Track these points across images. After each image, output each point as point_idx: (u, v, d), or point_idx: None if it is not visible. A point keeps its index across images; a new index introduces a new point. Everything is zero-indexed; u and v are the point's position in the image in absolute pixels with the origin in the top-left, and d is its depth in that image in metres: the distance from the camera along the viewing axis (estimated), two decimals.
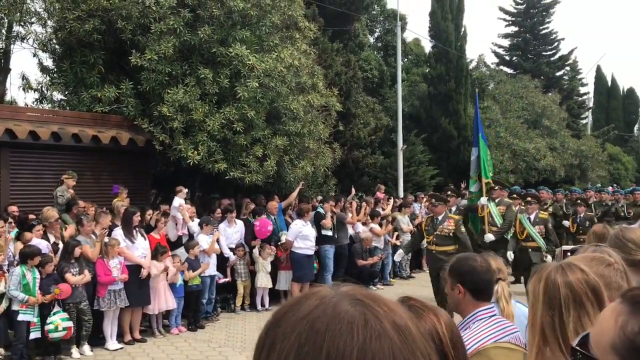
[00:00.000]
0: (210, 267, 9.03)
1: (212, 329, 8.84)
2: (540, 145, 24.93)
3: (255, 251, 9.89)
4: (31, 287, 6.81)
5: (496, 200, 10.31)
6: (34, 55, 11.25)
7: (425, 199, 14.07)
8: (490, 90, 28.35)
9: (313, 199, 12.82)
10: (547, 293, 1.80)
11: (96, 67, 10.38)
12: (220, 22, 10.26)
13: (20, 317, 6.77)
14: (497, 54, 36.03)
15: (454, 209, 10.69)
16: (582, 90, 38.41)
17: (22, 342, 6.79)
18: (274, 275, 10.14)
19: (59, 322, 6.86)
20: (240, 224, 9.97)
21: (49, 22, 10.96)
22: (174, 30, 9.85)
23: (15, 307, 6.78)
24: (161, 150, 10.03)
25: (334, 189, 15.42)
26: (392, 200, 13.63)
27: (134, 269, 7.92)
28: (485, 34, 67.10)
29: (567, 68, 36.22)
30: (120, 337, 7.91)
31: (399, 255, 10.57)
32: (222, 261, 9.52)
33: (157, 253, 8.24)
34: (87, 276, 7.33)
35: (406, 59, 27.09)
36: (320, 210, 11.02)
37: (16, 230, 7.49)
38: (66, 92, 10.88)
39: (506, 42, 36.08)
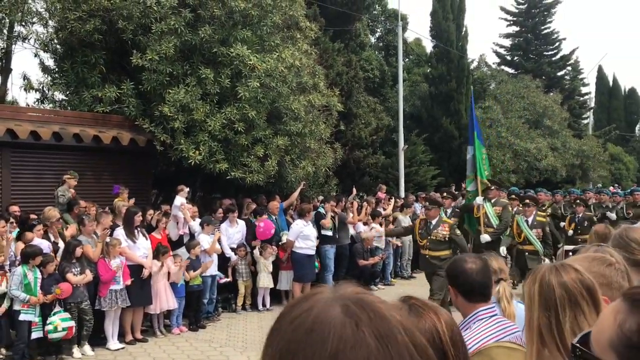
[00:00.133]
0: (212, 267, 9.03)
1: (214, 329, 8.84)
2: (542, 145, 24.91)
3: (256, 252, 9.89)
4: (32, 287, 6.81)
5: (492, 201, 10.03)
6: (35, 55, 11.28)
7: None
8: (491, 90, 28.34)
9: (314, 199, 12.83)
10: (543, 294, 1.80)
11: (97, 67, 10.38)
12: (221, 22, 10.26)
13: (22, 317, 6.77)
14: (498, 54, 36.01)
15: (449, 210, 10.49)
16: (584, 90, 38.41)
17: (23, 342, 6.79)
18: (275, 275, 10.14)
19: (58, 323, 6.86)
20: (241, 224, 9.97)
21: (50, 22, 10.97)
22: (175, 30, 9.86)
23: (16, 307, 6.79)
24: (162, 150, 10.04)
25: (335, 189, 15.42)
26: (393, 200, 13.63)
27: (135, 269, 7.92)
28: (486, 34, 67.11)
29: (569, 68, 36.19)
30: (121, 336, 7.91)
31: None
32: (223, 261, 9.52)
33: (158, 253, 8.24)
34: (88, 276, 7.33)
35: (407, 59, 27.09)
36: (321, 210, 11.02)
37: (17, 230, 7.49)
38: (67, 92, 10.89)
39: (507, 42, 36.08)
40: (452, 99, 22.36)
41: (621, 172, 34.43)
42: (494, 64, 34.43)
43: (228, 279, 9.64)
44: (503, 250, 9.67)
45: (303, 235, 9.87)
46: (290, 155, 11.33)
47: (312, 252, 10.11)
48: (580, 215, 11.91)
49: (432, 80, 23.37)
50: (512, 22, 35.86)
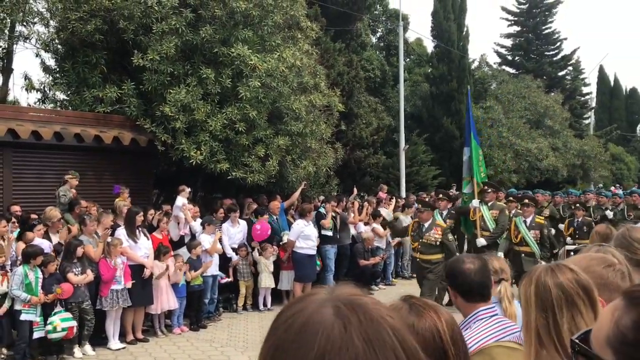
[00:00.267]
0: (213, 267, 9.03)
1: (215, 329, 8.84)
2: (543, 145, 24.90)
3: (255, 253, 9.87)
4: (33, 286, 6.82)
5: (489, 204, 9.73)
6: (37, 55, 11.29)
7: (426, 199, 13.67)
8: (492, 90, 28.34)
9: (315, 199, 12.83)
10: (539, 295, 1.81)
11: (98, 67, 10.39)
12: (222, 22, 10.26)
13: (23, 317, 6.77)
14: (499, 54, 36.00)
15: (445, 212, 10.23)
16: (585, 90, 38.41)
17: (24, 342, 6.80)
18: (276, 275, 10.14)
19: (58, 323, 6.86)
20: (243, 224, 9.97)
21: (52, 22, 10.97)
22: (176, 30, 9.86)
23: (17, 307, 6.79)
24: (163, 150, 10.05)
25: (336, 189, 15.42)
26: (394, 200, 13.62)
27: (136, 269, 7.92)
28: (487, 34, 67.08)
29: (570, 68, 36.18)
30: (122, 336, 7.91)
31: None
32: (224, 261, 9.52)
33: (159, 253, 8.24)
34: (89, 276, 7.34)
35: (408, 59, 27.09)
36: (322, 210, 11.01)
37: (18, 230, 7.50)
38: (68, 92, 10.90)
39: (509, 42, 36.06)
40: (453, 98, 22.36)
41: (622, 172, 34.42)
42: (495, 64, 34.46)
43: (229, 279, 9.64)
44: (500, 255, 9.57)
45: (304, 235, 9.87)
46: (291, 155, 11.33)
47: (313, 252, 10.10)
48: (579, 220, 11.71)
49: (433, 80, 23.38)
50: (513, 22, 35.85)
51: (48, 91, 11.26)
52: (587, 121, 37.70)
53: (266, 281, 9.89)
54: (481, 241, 9.42)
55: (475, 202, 9.64)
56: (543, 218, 9.91)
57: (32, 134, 8.97)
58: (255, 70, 9.97)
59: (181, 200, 9.19)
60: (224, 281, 9.49)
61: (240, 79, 10.13)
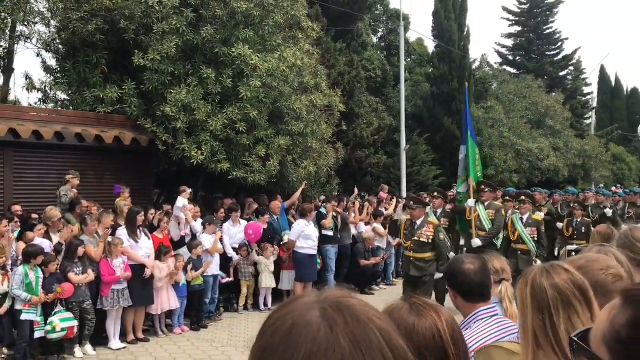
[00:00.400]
0: (214, 267, 9.03)
1: (215, 329, 8.84)
2: (544, 145, 24.90)
3: (254, 254, 9.84)
4: (34, 286, 6.82)
5: (485, 204, 9.51)
6: (38, 55, 11.29)
7: (427, 199, 13.34)
8: (493, 90, 28.34)
9: (316, 199, 12.83)
10: (535, 297, 1.81)
11: (99, 67, 10.40)
12: (223, 22, 10.27)
13: (24, 317, 6.78)
14: (500, 54, 35.99)
15: (439, 211, 9.99)
16: (586, 90, 38.40)
17: (25, 341, 6.80)
18: (276, 275, 10.14)
19: (57, 323, 6.86)
20: (244, 224, 9.96)
21: (53, 22, 10.98)
22: (176, 30, 9.86)
23: (18, 307, 6.79)
24: (164, 150, 10.05)
25: (337, 188, 15.42)
26: (395, 200, 13.61)
27: (137, 269, 7.93)
28: (488, 34, 67.08)
29: (571, 68, 36.17)
30: (123, 336, 7.91)
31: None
32: (225, 261, 9.52)
33: (160, 253, 8.25)
34: (90, 275, 7.34)
35: (409, 59, 27.09)
36: (323, 210, 11.01)
37: (18, 230, 7.50)
38: (69, 92, 10.91)
39: (510, 42, 36.05)
40: (454, 99, 22.35)
41: (623, 173, 34.40)
42: (496, 64, 34.47)
43: (230, 279, 9.64)
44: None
45: (305, 235, 9.87)
46: (292, 155, 11.34)
47: (314, 252, 10.10)
48: (578, 220, 11.66)
49: (434, 80, 23.38)
50: (514, 22, 35.84)
51: (49, 91, 11.27)
52: (588, 121, 37.70)
53: (267, 281, 9.89)
54: (476, 241, 9.25)
55: (470, 202, 9.49)
56: (541, 216, 9.80)
57: (33, 134, 8.97)
58: (256, 70, 9.97)
59: (182, 201, 9.18)
60: (224, 281, 9.49)
61: (241, 78, 10.13)
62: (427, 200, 10.89)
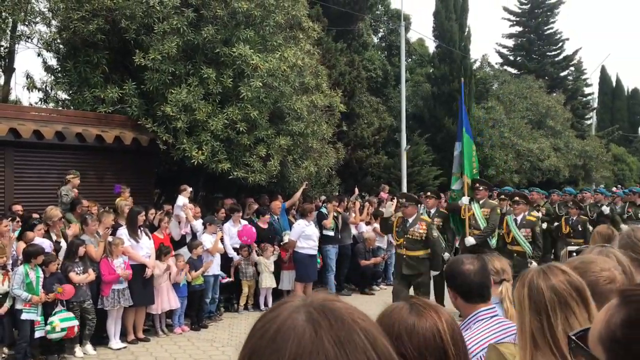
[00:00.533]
0: (214, 267, 9.03)
1: (215, 329, 8.84)
2: (545, 146, 24.89)
3: (254, 254, 9.84)
4: (34, 286, 6.82)
5: (480, 202, 9.25)
6: (38, 55, 11.30)
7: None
8: (494, 90, 28.33)
9: (316, 199, 12.83)
10: (532, 298, 1.82)
11: (100, 67, 10.41)
12: (223, 22, 10.27)
13: (24, 316, 6.78)
14: (501, 54, 35.98)
15: (432, 211, 9.66)
16: (587, 90, 38.35)
17: (25, 341, 6.80)
18: (277, 275, 10.14)
19: (57, 323, 6.86)
20: (245, 224, 9.96)
21: (54, 22, 10.99)
22: (177, 30, 9.87)
23: (18, 306, 6.79)
24: (165, 150, 10.06)
25: (337, 188, 15.42)
26: (395, 201, 13.58)
27: (138, 269, 7.93)
28: (489, 34, 67.04)
29: (572, 68, 36.15)
30: (123, 336, 7.92)
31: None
32: (226, 261, 9.52)
33: (160, 253, 8.25)
34: (91, 275, 7.34)
35: (410, 59, 27.06)
36: (324, 210, 11.01)
37: (19, 229, 7.50)
38: (70, 92, 10.92)
39: (510, 42, 36.04)
40: (455, 99, 22.28)
41: (624, 173, 34.38)
42: (496, 64, 34.43)
43: (230, 279, 9.64)
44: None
45: (305, 235, 9.86)
46: (293, 155, 11.34)
47: (314, 252, 10.10)
48: (574, 219, 11.61)
49: (434, 80, 23.36)
50: (515, 23, 35.83)
51: (50, 91, 11.29)
52: (588, 122, 37.67)
53: (267, 281, 9.89)
54: (470, 240, 9.00)
55: (464, 200, 9.29)
56: (535, 215, 9.49)
57: (33, 134, 8.98)
58: (256, 70, 9.97)
59: (182, 199, 9.19)
60: (224, 281, 9.49)
61: (241, 78, 10.13)
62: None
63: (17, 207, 8.21)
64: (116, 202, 8.91)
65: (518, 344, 1.90)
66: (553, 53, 35.32)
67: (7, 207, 8.47)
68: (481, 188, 9.38)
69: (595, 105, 40.33)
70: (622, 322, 0.97)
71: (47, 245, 7.30)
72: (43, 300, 6.87)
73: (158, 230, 8.67)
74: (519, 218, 9.02)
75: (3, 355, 6.86)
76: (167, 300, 8.30)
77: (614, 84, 44.37)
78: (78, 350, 7.31)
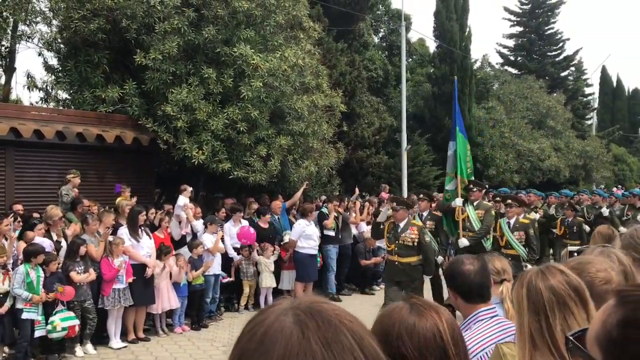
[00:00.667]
0: (215, 267, 9.03)
1: (216, 328, 8.85)
2: (545, 146, 24.90)
3: (255, 254, 9.85)
4: (35, 285, 6.82)
5: (474, 203, 9.02)
6: (39, 55, 11.31)
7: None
8: (494, 90, 28.34)
9: (317, 199, 12.83)
10: (531, 299, 1.82)
11: (100, 67, 10.41)
12: (224, 21, 10.27)
13: (25, 316, 6.78)
14: (501, 54, 36.01)
15: (425, 214, 9.44)
16: (587, 90, 38.37)
17: (26, 340, 6.81)
18: (277, 275, 10.14)
19: (58, 323, 6.86)
20: (245, 224, 9.96)
21: (54, 22, 11.01)
22: (178, 30, 9.87)
23: (19, 306, 6.79)
24: (165, 150, 10.06)
25: (338, 188, 15.43)
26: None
27: (138, 268, 7.93)
28: (490, 34, 67.03)
29: (572, 68, 36.18)
30: (124, 335, 7.92)
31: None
32: (226, 261, 9.53)
33: (161, 253, 8.25)
34: (92, 275, 7.35)
35: (411, 59, 27.07)
36: (324, 210, 11.01)
37: (19, 229, 7.51)
38: (71, 91, 10.93)
39: (511, 43, 36.07)
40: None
41: (624, 173, 34.38)
42: (497, 64, 34.46)
43: (231, 279, 9.64)
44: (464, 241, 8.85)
45: (305, 235, 9.87)
46: (293, 155, 11.34)
47: (315, 251, 10.10)
48: (569, 220, 11.53)
49: (435, 80, 23.37)
50: (515, 23, 35.85)
51: (50, 90, 11.30)
52: (589, 122, 37.68)
53: (267, 281, 9.89)
54: (463, 242, 8.81)
55: (458, 201, 9.08)
56: (532, 218, 9.25)
57: (34, 133, 8.98)
58: (257, 70, 9.97)
59: (183, 199, 9.19)
60: (225, 281, 9.49)
61: (242, 78, 10.13)
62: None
63: (18, 207, 8.21)
64: (117, 201, 8.91)
65: (517, 344, 1.90)
66: (554, 53, 35.34)
67: (7, 206, 8.47)
68: (475, 189, 9.18)
69: (596, 105, 40.33)
70: (618, 322, 0.97)
71: (47, 244, 7.30)
72: (44, 299, 6.87)
73: (158, 229, 8.67)
74: (511, 221, 8.80)
75: (3, 355, 6.86)
76: (167, 299, 8.30)
77: (614, 84, 44.37)
78: (78, 349, 7.31)
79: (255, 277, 9.89)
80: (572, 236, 11.25)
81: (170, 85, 9.89)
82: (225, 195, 11.32)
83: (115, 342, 7.72)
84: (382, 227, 8.48)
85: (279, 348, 0.80)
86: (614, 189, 22.68)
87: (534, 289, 1.82)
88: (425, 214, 9.46)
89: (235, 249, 9.64)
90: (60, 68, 11.12)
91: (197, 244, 8.77)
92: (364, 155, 17.58)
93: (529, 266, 7.71)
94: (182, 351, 7.67)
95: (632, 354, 0.95)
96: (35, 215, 7.94)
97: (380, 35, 26.48)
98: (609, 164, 29.79)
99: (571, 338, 1.10)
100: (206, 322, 8.92)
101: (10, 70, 11.28)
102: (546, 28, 35.10)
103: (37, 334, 6.86)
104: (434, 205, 10.04)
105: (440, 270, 9.27)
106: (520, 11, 35.52)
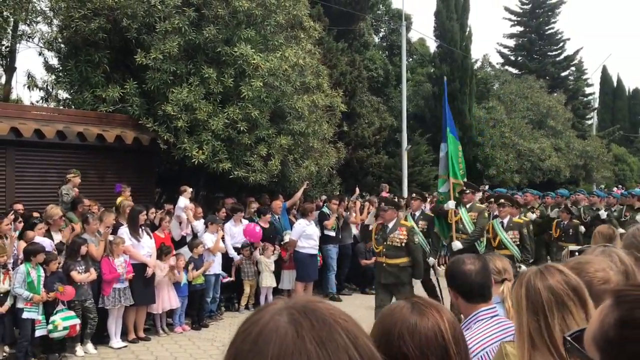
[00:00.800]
0: (215, 266, 9.03)
1: (216, 328, 8.85)
2: (545, 146, 24.89)
3: (256, 253, 9.85)
4: (36, 285, 6.82)
5: (467, 206, 8.87)
6: (40, 54, 11.31)
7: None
8: (495, 90, 28.34)
9: (317, 199, 12.83)
10: (530, 299, 1.82)
11: (101, 66, 10.41)
12: (225, 21, 10.27)
13: (25, 315, 6.78)
14: (502, 54, 36.00)
15: (417, 213, 9.31)
16: (588, 90, 38.35)
17: (26, 340, 6.81)
18: (277, 275, 10.14)
19: (59, 322, 6.87)
20: (246, 224, 9.96)
21: (55, 21, 11.00)
22: (179, 30, 9.87)
23: (19, 305, 6.80)
24: (166, 149, 10.06)
25: (338, 188, 15.43)
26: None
27: (139, 268, 7.93)
28: (490, 34, 67.01)
29: (573, 68, 36.17)
30: (124, 335, 7.92)
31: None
32: (227, 261, 9.53)
33: (161, 253, 8.25)
34: (92, 274, 7.35)
35: (411, 59, 27.08)
36: (325, 210, 11.01)
37: (20, 229, 7.51)
38: (71, 91, 10.93)
39: (511, 42, 36.07)
40: (456, 99, 22.33)
41: (625, 173, 34.37)
42: (497, 64, 34.47)
43: (231, 279, 9.64)
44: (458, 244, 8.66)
45: (306, 235, 9.87)
46: (294, 154, 11.34)
47: (315, 251, 10.10)
48: (565, 222, 11.43)
49: (435, 80, 23.37)
50: (516, 22, 35.85)
51: (51, 90, 11.30)
52: (589, 122, 37.66)
53: (267, 280, 9.89)
54: (457, 244, 8.59)
55: (450, 204, 8.85)
56: (523, 220, 9.06)
57: (34, 133, 8.98)
58: (257, 69, 9.97)
59: (183, 201, 9.18)
60: (225, 280, 9.49)
61: (242, 78, 10.13)
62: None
63: (18, 206, 8.21)
64: (119, 201, 8.91)
65: (516, 344, 1.90)
66: (554, 53, 35.34)
67: (8, 206, 8.48)
68: (468, 191, 9.04)
69: (596, 105, 40.31)
70: (615, 322, 0.97)
71: (47, 244, 7.30)
72: (44, 299, 6.87)
73: (159, 229, 8.67)
74: (505, 220, 8.61)
75: (4, 354, 6.87)
76: (167, 299, 8.30)
77: (615, 84, 44.37)
78: (79, 349, 7.31)
79: (255, 277, 9.89)
80: (567, 239, 11.17)
81: (171, 85, 9.89)
82: (225, 195, 11.32)
83: (116, 341, 7.72)
84: (370, 229, 8.34)
85: (274, 347, 0.81)
86: (614, 189, 22.63)
87: (533, 289, 1.82)
88: (417, 213, 9.37)
89: (235, 249, 9.64)
90: (60, 68, 11.12)
91: (197, 243, 8.77)
92: (364, 155, 17.58)
93: (523, 267, 7.68)
94: (182, 351, 7.68)
95: (629, 354, 0.95)
96: (36, 214, 7.94)
97: (381, 35, 26.49)
98: (610, 164, 29.78)
99: (569, 338, 1.10)
100: (207, 322, 8.93)
101: (10, 70, 11.28)
102: (546, 28, 35.10)
103: (38, 333, 6.86)
104: (427, 205, 9.96)
105: (432, 271, 9.26)
106: (521, 11, 35.52)
